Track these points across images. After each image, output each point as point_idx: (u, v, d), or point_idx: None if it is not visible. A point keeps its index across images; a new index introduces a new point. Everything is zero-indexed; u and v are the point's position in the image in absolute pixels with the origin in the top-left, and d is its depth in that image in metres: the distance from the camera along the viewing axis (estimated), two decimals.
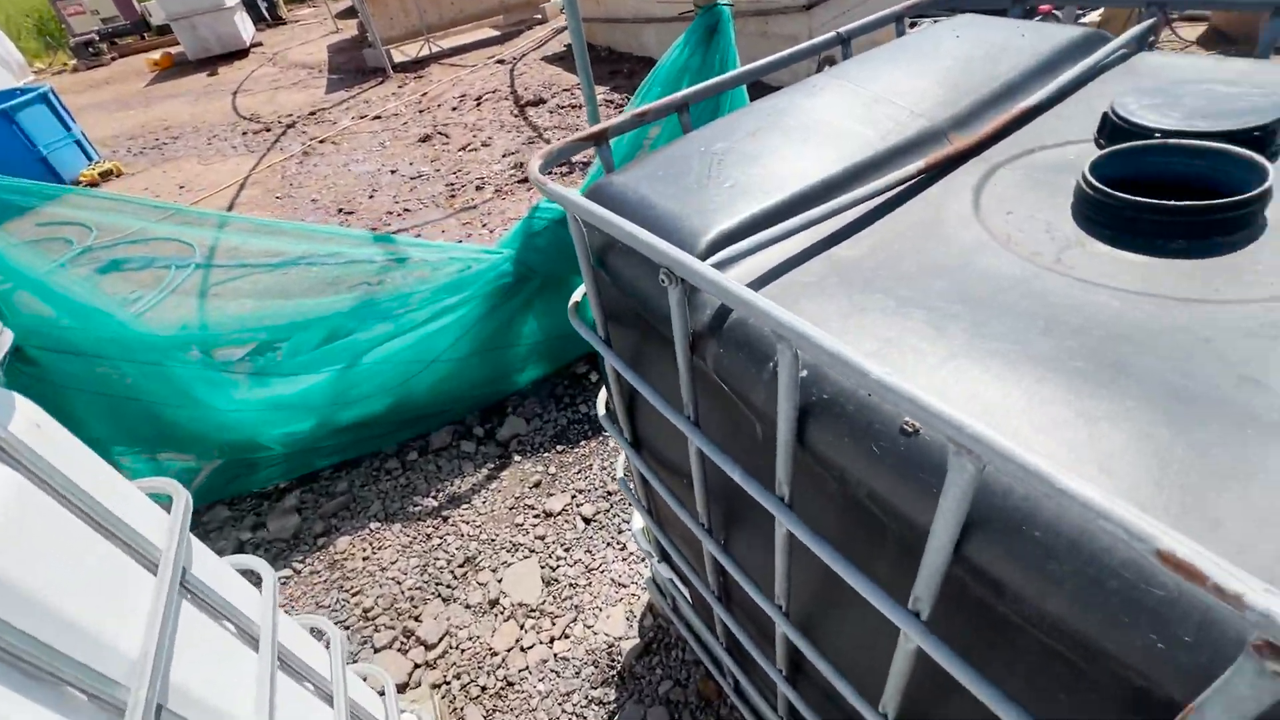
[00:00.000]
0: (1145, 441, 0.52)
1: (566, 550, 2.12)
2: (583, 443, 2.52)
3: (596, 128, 1.07)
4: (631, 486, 1.51)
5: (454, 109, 6.35)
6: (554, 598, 2.00)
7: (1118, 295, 0.68)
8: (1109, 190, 0.76)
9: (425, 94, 6.93)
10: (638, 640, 1.83)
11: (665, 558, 1.55)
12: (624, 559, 2.07)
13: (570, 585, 2.02)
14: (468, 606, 2.02)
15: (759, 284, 0.80)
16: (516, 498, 2.35)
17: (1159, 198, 0.72)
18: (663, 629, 1.84)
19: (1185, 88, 0.90)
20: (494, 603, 2.01)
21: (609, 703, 1.72)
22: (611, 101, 5.72)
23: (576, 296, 1.19)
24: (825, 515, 0.75)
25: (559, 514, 2.26)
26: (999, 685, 0.58)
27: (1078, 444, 0.53)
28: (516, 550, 2.16)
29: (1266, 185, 0.70)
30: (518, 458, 2.50)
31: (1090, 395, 0.57)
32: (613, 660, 1.81)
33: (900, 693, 0.74)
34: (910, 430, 0.59)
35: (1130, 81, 1.08)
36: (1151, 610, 0.44)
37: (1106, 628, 0.46)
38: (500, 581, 2.07)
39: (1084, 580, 0.47)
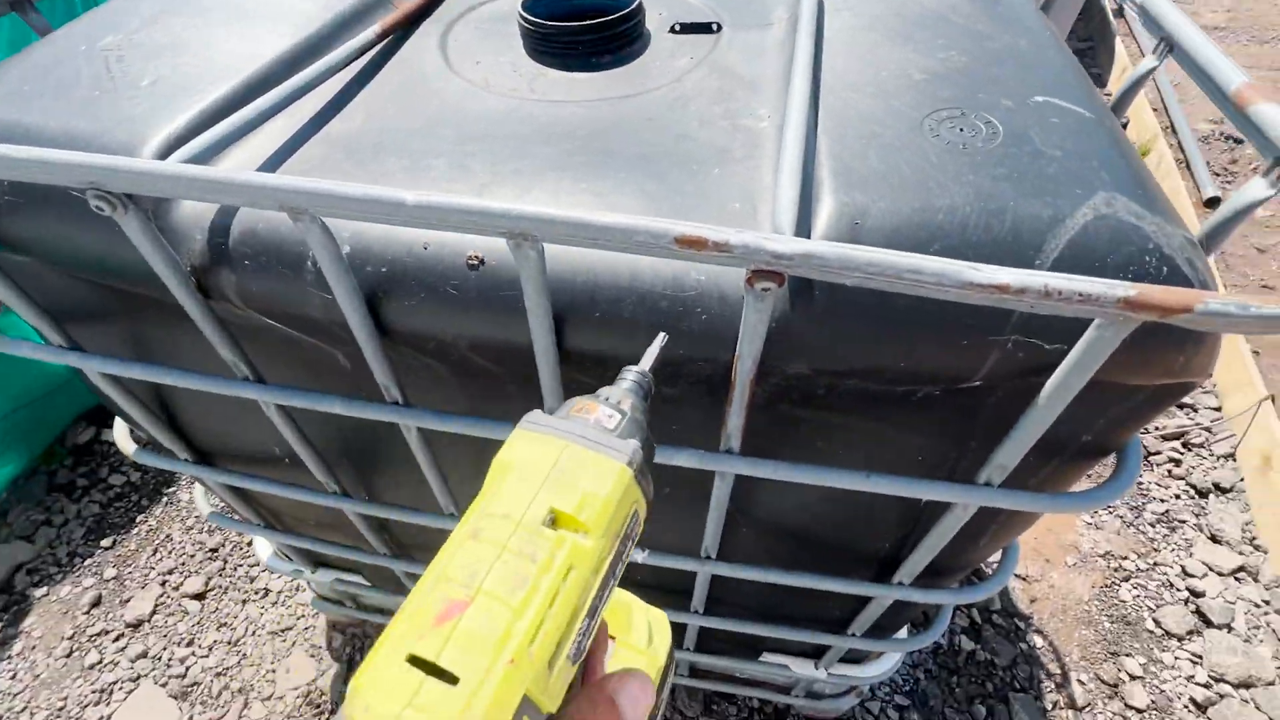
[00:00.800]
0: (641, 196, 0.63)
1: (189, 644, 1.63)
2: (140, 516, 1.88)
3: None
4: (232, 514, 1.20)
5: None
6: (202, 704, 1.54)
7: (583, 105, 0.79)
8: (540, 21, 0.85)
9: None
10: (337, 665, 1.58)
11: (318, 561, 1.33)
12: (274, 601, 1.71)
13: (217, 675, 1.58)
14: None
15: None
16: (69, 637, 1.65)
17: None
18: (358, 635, 1.63)
19: None
20: None
21: None
22: None
23: None
24: (447, 397, 0.72)
25: (154, 613, 1.69)
26: None
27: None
28: (108, 694, 1.55)
29: (638, 2, 0.89)
30: (40, 591, 1.73)
31: (596, 179, 0.66)
32: (318, 704, 1.53)
33: None
34: (476, 262, 0.59)
35: None
36: (692, 308, 0.56)
37: (674, 337, 0.57)
38: None
39: (641, 309, 0.56)
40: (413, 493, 0.94)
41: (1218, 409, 2.08)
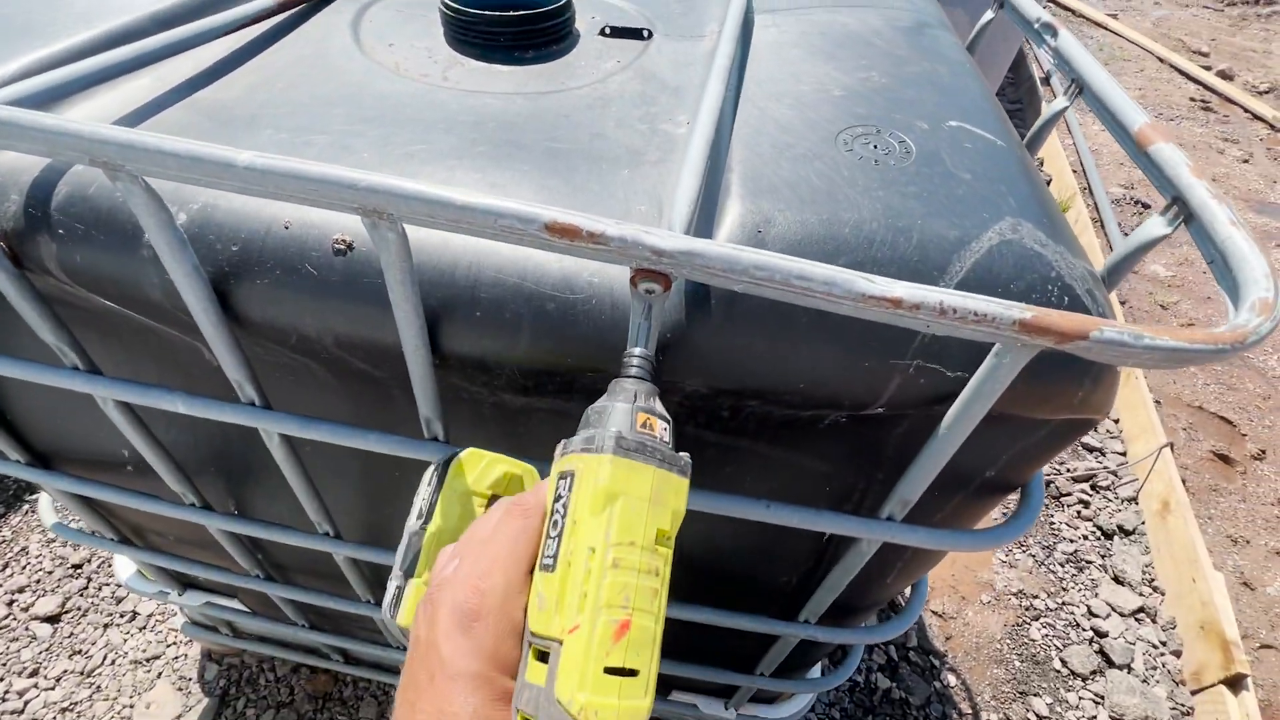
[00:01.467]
0: (542, 191, 0.58)
1: (31, 675, 1.43)
2: None
3: None
4: (82, 526, 1.06)
5: None
6: None
7: (498, 98, 0.74)
8: (460, 7, 0.80)
9: None
10: (206, 700, 1.42)
11: (187, 582, 1.19)
12: (141, 626, 1.53)
13: (62, 711, 1.38)
14: None
15: None
16: None
17: None
18: (234, 666, 1.47)
19: None
20: None
21: None
22: None
23: None
24: (328, 404, 0.65)
25: None
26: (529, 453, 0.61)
27: None
28: None
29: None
30: None
31: (495, 169, 0.60)
32: None
33: None
34: (343, 246, 0.52)
35: None
36: (582, 312, 0.51)
37: (562, 343, 0.52)
38: None
39: (526, 310, 0.51)
40: (290, 508, 0.85)
41: (1123, 454, 2.18)
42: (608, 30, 0.89)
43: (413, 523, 0.47)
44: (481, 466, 0.48)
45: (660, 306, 0.44)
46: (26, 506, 1.72)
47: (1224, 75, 4.57)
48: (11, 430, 0.83)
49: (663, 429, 0.39)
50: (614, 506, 0.35)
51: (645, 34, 0.88)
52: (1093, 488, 2.08)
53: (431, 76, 0.77)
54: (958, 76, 0.69)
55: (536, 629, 0.34)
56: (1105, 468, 2.12)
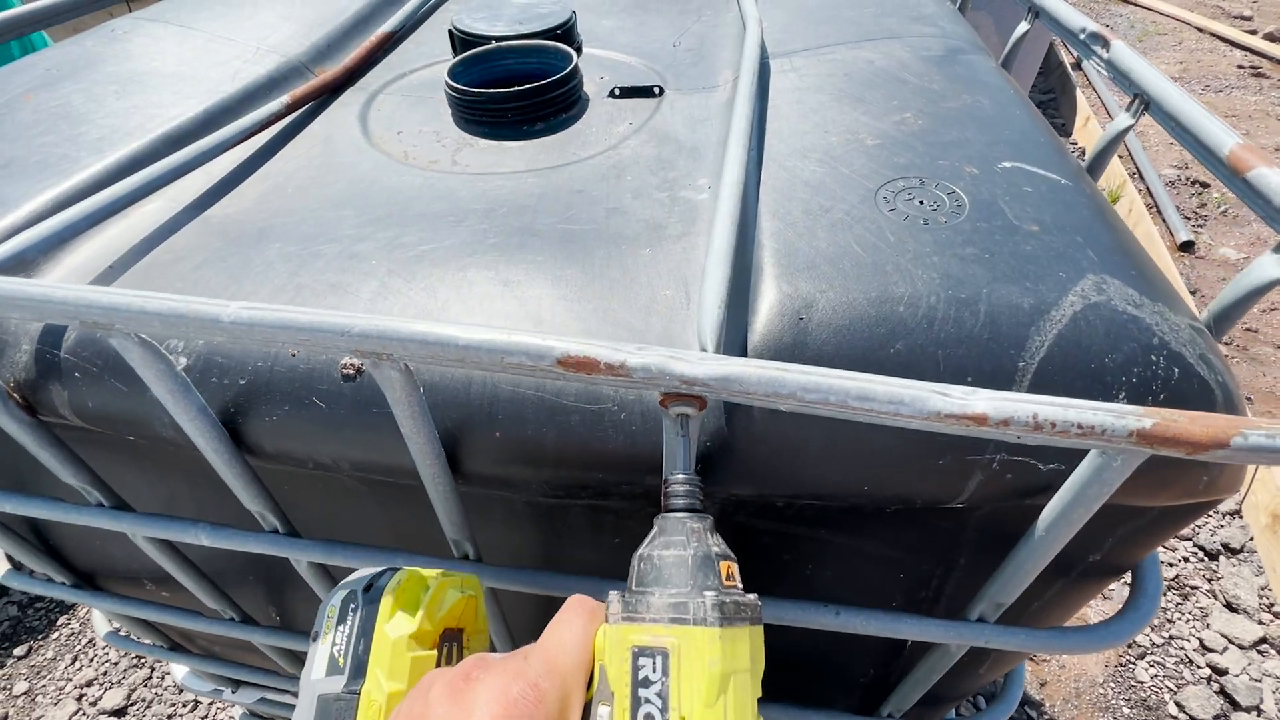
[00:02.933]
0: (559, 284, 0.54)
1: None
2: (62, 619, 1.71)
3: None
4: (130, 634, 1.06)
5: None
6: None
7: (509, 178, 0.71)
8: (464, 88, 0.78)
9: None
10: None
11: (237, 683, 1.17)
12: (202, 716, 1.52)
13: None
14: None
15: (104, 279, 0.56)
16: None
17: None
18: None
19: (503, 3, 1.00)
20: None
21: None
22: None
23: None
24: (362, 514, 0.61)
25: None
26: (564, 571, 0.56)
27: (508, 308, 0.52)
28: None
29: (574, 65, 0.82)
30: None
31: (507, 264, 0.57)
32: None
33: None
34: (352, 372, 0.49)
35: (462, 4, 1.17)
36: (609, 425, 0.46)
37: (591, 458, 0.47)
38: None
39: (549, 426, 0.46)
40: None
41: None
42: (617, 91, 0.86)
43: (325, 681, 0.35)
44: (428, 595, 0.38)
45: (698, 424, 0.39)
46: None
47: (1272, 38, 4.30)
48: (55, 555, 0.82)
49: (736, 572, 0.35)
50: (728, 691, 0.30)
51: (656, 90, 0.85)
52: None
53: (441, 162, 0.75)
54: (1002, 106, 0.62)
55: None
56: None
